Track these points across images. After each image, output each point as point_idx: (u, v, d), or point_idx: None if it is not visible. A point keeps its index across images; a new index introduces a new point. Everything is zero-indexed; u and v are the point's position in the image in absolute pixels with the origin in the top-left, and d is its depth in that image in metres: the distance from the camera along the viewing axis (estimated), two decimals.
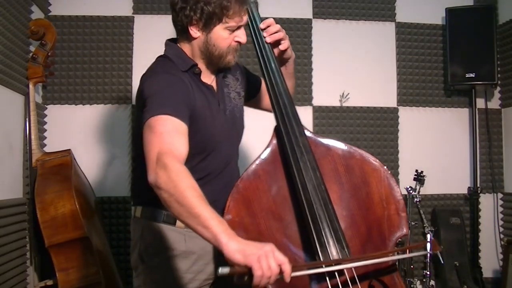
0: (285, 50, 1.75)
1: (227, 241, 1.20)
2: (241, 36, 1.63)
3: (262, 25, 1.69)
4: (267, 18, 1.70)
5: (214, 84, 1.70)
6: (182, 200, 1.27)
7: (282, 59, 1.78)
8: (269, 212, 1.53)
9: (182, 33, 1.63)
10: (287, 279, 1.21)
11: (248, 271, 1.18)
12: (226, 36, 1.59)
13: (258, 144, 1.71)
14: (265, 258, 1.17)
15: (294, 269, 1.23)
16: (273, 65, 1.68)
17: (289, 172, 1.55)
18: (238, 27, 1.61)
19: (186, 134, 1.46)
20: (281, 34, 1.70)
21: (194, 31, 1.59)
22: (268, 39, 1.69)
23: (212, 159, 1.66)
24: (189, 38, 1.62)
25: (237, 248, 1.19)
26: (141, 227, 1.67)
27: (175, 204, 1.28)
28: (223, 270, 1.19)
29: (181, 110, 1.48)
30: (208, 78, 1.69)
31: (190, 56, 1.65)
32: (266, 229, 1.50)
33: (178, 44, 1.68)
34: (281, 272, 1.20)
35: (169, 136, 1.41)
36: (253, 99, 1.94)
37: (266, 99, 1.90)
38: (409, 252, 1.88)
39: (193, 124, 1.54)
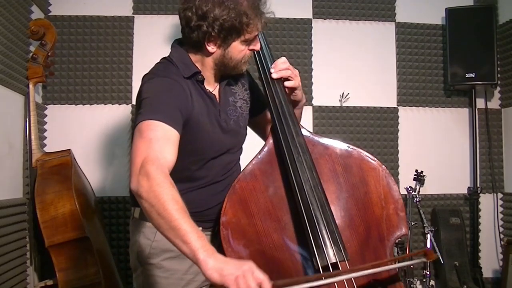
0: (294, 89, 1.69)
1: (204, 257, 1.16)
2: (256, 44, 1.61)
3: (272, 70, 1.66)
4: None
5: (217, 92, 1.66)
6: (163, 211, 1.22)
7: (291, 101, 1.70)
8: (266, 212, 1.52)
9: (195, 47, 1.59)
10: None
11: None
12: (243, 48, 1.58)
13: (256, 143, 1.72)
14: (243, 278, 1.14)
15: (275, 287, 1.18)
16: (269, 63, 1.67)
17: (286, 172, 1.54)
18: (254, 37, 1.59)
19: (176, 142, 1.42)
20: (289, 71, 1.66)
21: (212, 47, 1.55)
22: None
23: (212, 166, 1.64)
24: (204, 52, 1.58)
25: (215, 267, 1.15)
26: (139, 228, 1.67)
27: (155, 215, 1.24)
28: None
29: (175, 116, 1.44)
30: (211, 85, 1.66)
31: (196, 63, 1.61)
32: (263, 230, 1.50)
33: (184, 48, 1.63)
34: None
35: (158, 143, 1.36)
36: (253, 118, 1.85)
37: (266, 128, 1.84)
38: (398, 262, 1.84)
39: (190, 131, 1.52)
